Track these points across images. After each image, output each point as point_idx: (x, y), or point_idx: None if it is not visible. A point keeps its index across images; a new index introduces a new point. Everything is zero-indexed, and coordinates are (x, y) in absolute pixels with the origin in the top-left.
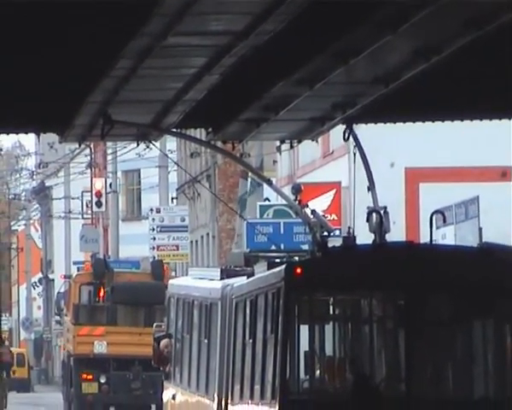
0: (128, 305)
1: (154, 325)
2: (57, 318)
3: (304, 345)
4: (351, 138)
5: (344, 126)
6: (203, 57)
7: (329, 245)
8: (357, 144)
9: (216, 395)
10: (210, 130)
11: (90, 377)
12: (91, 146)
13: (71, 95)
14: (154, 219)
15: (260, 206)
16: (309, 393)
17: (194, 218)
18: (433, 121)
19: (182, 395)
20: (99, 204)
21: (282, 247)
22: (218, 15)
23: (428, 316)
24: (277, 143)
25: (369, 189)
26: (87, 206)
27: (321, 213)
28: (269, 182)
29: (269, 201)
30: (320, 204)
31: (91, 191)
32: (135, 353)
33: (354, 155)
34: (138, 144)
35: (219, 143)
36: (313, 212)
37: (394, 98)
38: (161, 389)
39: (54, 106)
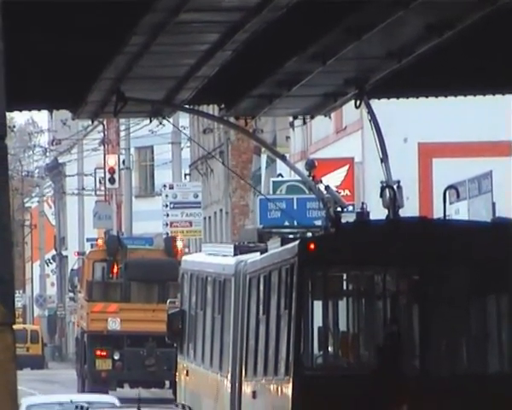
0: (141, 281)
1: (168, 301)
2: (71, 294)
3: (317, 321)
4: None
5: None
6: (216, 33)
7: (343, 221)
8: (370, 111)
9: (229, 371)
10: (223, 106)
11: (104, 353)
12: (104, 123)
13: (84, 72)
14: (167, 196)
15: (273, 182)
16: (323, 368)
17: (208, 194)
18: (446, 96)
19: (195, 372)
20: (112, 181)
21: (296, 223)
22: None
23: (442, 291)
24: (290, 118)
25: (382, 160)
26: (100, 182)
27: (334, 189)
28: (283, 158)
29: (282, 177)
30: (333, 180)
31: (104, 168)
32: (148, 329)
33: (369, 121)
34: (151, 121)
35: (232, 119)
36: (327, 187)
37: (407, 73)
38: (175, 366)
39: (67, 83)
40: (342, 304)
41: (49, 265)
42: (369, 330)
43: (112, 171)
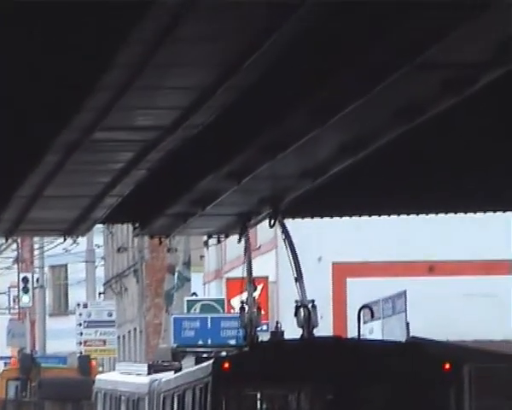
0: (55, 400)
1: None
2: None
3: None
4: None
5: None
6: (130, 152)
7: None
8: (284, 230)
9: None
10: (137, 225)
11: None
12: (18, 241)
13: None
14: (81, 314)
15: (188, 300)
16: None
17: (122, 313)
18: (360, 216)
19: None
20: (26, 290)
21: (210, 342)
22: (146, 110)
23: None
24: (205, 237)
25: (296, 279)
26: (14, 301)
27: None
28: None
29: (196, 295)
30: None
31: (18, 286)
32: None
33: (284, 240)
34: (65, 239)
35: (146, 238)
36: (243, 307)
37: (322, 193)
38: None
39: None
40: None
41: None
42: None
43: (25, 280)
